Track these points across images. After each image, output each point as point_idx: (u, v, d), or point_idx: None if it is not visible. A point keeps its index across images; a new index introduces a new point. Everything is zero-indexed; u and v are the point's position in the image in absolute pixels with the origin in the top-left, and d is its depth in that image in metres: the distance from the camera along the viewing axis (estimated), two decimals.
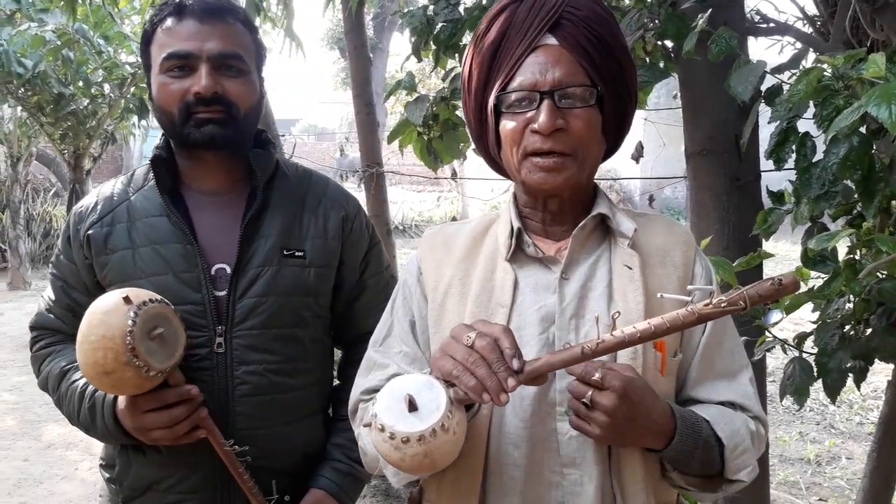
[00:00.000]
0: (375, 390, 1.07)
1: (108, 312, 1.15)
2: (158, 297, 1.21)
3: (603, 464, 0.99)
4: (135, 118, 7.16)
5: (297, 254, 1.36)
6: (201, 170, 1.37)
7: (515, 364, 0.87)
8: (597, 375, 0.90)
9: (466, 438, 0.97)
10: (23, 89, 6.37)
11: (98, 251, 1.35)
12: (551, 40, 1.00)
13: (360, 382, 1.12)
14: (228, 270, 1.32)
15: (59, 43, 5.60)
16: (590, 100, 1.00)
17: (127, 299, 1.16)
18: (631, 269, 1.03)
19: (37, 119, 6.93)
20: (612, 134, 1.06)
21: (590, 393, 0.90)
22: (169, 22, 1.31)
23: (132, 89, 6.62)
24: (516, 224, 1.07)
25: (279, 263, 1.34)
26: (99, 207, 1.38)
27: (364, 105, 3.78)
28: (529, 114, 0.99)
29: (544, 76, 0.98)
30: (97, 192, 1.43)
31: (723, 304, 0.82)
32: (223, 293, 1.32)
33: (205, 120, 1.29)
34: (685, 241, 1.09)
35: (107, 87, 6.72)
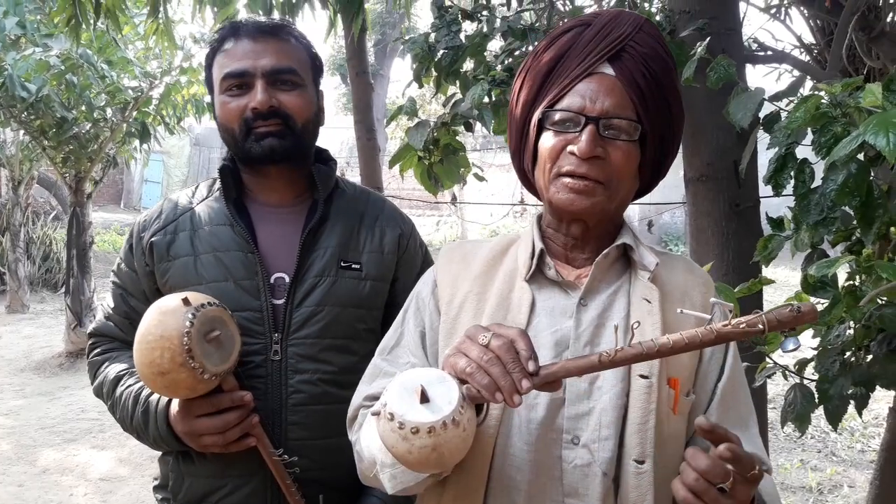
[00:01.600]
0: (377, 397, 1.05)
1: (166, 313, 1.18)
2: (216, 300, 1.23)
3: (608, 498, 0.96)
4: (136, 142, 7.20)
5: (353, 266, 1.39)
6: (264, 182, 1.41)
7: (531, 366, 0.85)
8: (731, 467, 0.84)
9: (469, 457, 0.95)
10: (26, 113, 6.41)
11: (160, 258, 1.38)
12: (608, 69, 1.01)
13: (363, 389, 1.11)
14: (287, 279, 1.35)
15: (62, 67, 5.66)
16: (633, 135, 1.00)
17: (186, 301, 1.18)
18: (650, 302, 1.02)
19: (39, 143, 6.97)
20: (648, 174, 1.07)
21: (730, 480, 0.83)
22: (226, 44, 1.37)
23: (134, 113, 6.67)
24: (539, 245, 1.06)
25: (336, 274, 1.37)
26: (163, 216, 1.43)
27: (365, 130, 3.81)
28: (571, 135, 0.99)
29: (594, 103, 0.99)
30: (161, 203, 1.48)
31: (742, 326, 0.81)
32: (281, 301, 1.34)
33: (264, 134, 1.33)
34: (704, 283, 1.09)
35: (109, 112, 6.77)
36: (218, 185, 1.42)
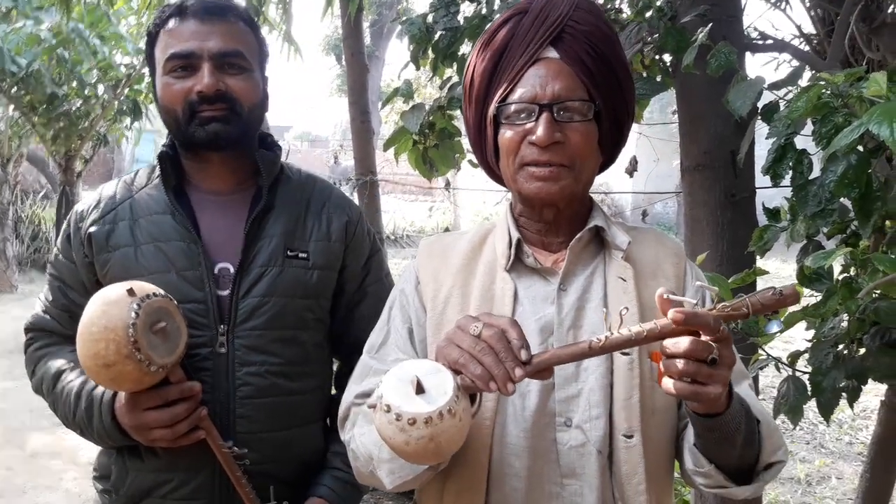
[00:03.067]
0: (369, 395, 1.06)
1: (111, 304, 1.14)
2: (162, 291, 1.20)
3: (604, 474, 1.00)
4: (127, 120, 7.13)
5: (300, 255, 1.36)
6: (206, 169, 1.37)
7: (524, 355, 0.86)
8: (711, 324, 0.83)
9: (469, 449, 0.97)
10: (15, 88, 6.33)
11: (100, 249, 1.34)
12: (552, 53, 1.02)
13: (354, 388, 1.11)
14: (232, 270, 1.32)
15: (54, 42, 5.58)
16: (588, 114, 1.01)
17: (131, 291, 1.15)
18: (625, 280, 1.05)
19: (29, 119, 6.89)
20: (609, 147, 1.08)
21: (715, 348, 0.83)
22: (171, 23, 1.31)
23: (126, 91, 6.60)
24: (515, 235, 1.08)
25: (283, 264, 1.34)
26: (101, 205, 1.38)
27: (359, 113, 3.78)
28: (528, 125, 1.00)
29: (544, 89, 1.00)
30: (99, 192, 1.43)
31: (727, 309, 0.83)
32: (226, 292, 1.31)
33: (209, 118, 1.29)
34: (675, 254, 1.11)
35: (101, 88, 6.70)
36: (157, 172, 1.38)
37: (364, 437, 1.01)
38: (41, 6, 5.64)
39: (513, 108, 1.01)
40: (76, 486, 3.97)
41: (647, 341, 0.87)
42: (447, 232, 1.23)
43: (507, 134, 1.03)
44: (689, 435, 1.00)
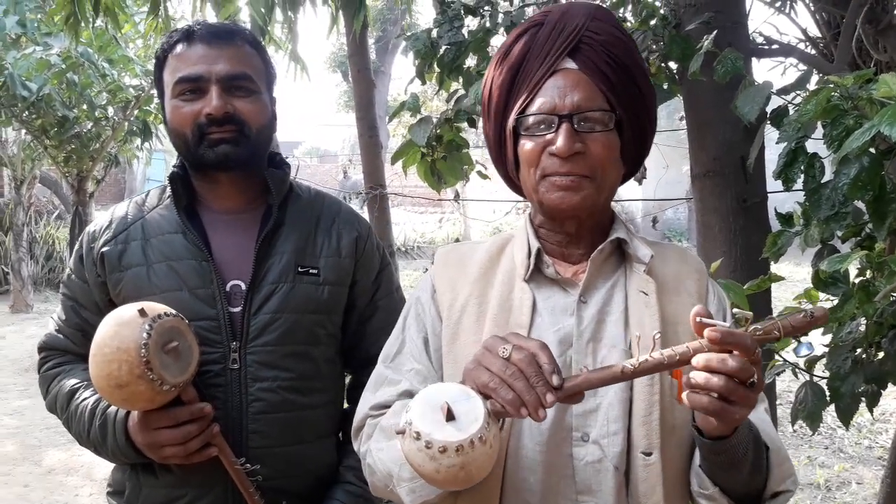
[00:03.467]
0: (385, 406, 1.06)
1: (123, 324, 1.15)
2: (173, 311, 1.21)
3: (620, 492, 0.97)
4: (138, 141, 7.19)
5: (311, 271, 1.37)
6: (216, 189, 1.39)
7: (555, 380, 0.84)
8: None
9: None
10: (27, 112, 6.40)
11: (112, 268, 1.35)
12: (571, 64, 1.00)
13: (369, 398, 1.10)
14: (243, 287, 1.33)
15: (63, 66, 5.65)
16: (609, 124, 1.00)
17: (142, 312, 1.16)
18: (647, 294, 1.02)
19: (41, 142, 6.96)
20: (631, 158, 1.06)
21: (755, 374, 0.81)
22: (179, 48, 1.33)
23: (136, 112, 6.66)
24: (535, 245, 1.06)
25: (294, 280, 1.35)
26: (113, 226, 1.40)
27: (367, 128, 3.79)
28: (548, 136, 0.99)
29: (563, 100, 0.98)
30: (111, 212, 1.45)
31: (758, 332, 0.82)
32: (238, 309, 1.32)
33: (218, 140, 1.31)
34: (697, 270, 1.09)
35: (111, 110, 6.76)
36: (168, 192, 1.39)
37: (382, 454, 1.00)
38: (50, 32, 5.72)
39: (532, 119, 1.00)
40: (91, 502, 3.98)
41: (680, 365, 0.84)
42: (464, 241, 1.22)
43: (526, 146, 1.01)
44: (696, 456, 0.98)
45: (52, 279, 10.52)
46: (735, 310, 0.89)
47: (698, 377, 0.81)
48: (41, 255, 10.72)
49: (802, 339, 1.53)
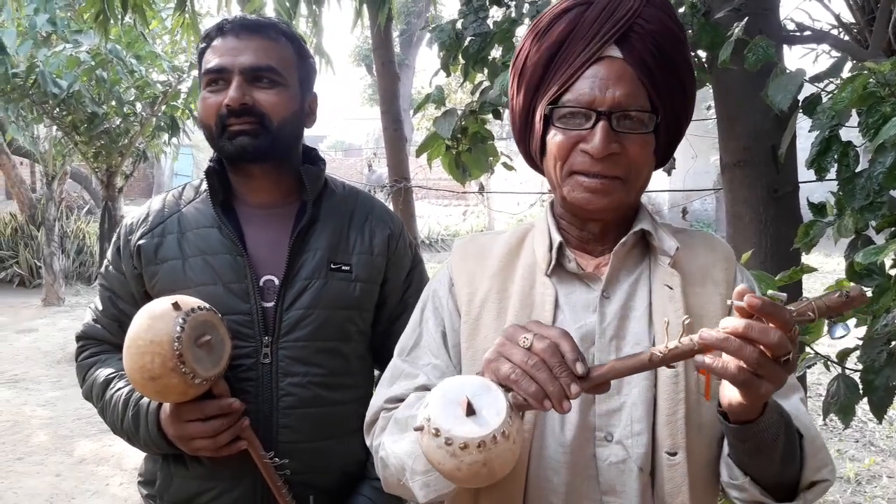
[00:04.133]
0: (401, 399, 1.03)
1: (156, 317, 1.17)
2: (206, 304, 1.23)
3: (645, 492, 0.94)
4: (166, 136, 7.28)
5: (343, 268, 1.38)
6: (250, 183, 1.40)
7: (580, 369, 0.79)
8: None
9: None
10: (58, 109, 6.52)
11: (148, 261, 1.37)
12: (616, 52, 0.93)
13: (383, 391, 1.08)
14: (276, 282, 1.34)
15: (93, 63, 5.73)
16: (649, 125, 0.94)
17: (176, 305, 1.17)
18: (671, 288, 0.98)
19: (71, 138, 7.08)
20: (662, 153, 1.02)
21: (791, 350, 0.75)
22: (216, 41, 1.35)
23: (163, 107, 6.74)
24: (557, 238, 1.02)
25: (326, 276, 1.36)
26: (150, 219, 1.41)
27: (392, 121, 3.79)
28: (582, 132, 0.93)
29: (604, 93, 0.92)
30: (148, 205, 1.46)
31: (793, 314, 0.76)
32: (271, 304, 1.33)
33: (237, 132, 1.31)
34: (725, 258, 1.04)
35: (139, 106, 6.85)
36: (205, 186, 1.41)
37: (395, 446, 0.96)
38: (80, 29, 5.80)
39: (567, 110, 0.94)
40: (122, 490, 4.05)
41: (713, 350, 0.78)
42: (482, 232, 1.17)
43: (557, 138, 0.95)
44: (725, 446, 0.93)
45: (82, 273, 10.70)
46: (769, 291, 0.85)
47: (732, 343, 0.75)
48: (72, 250, 10.90)
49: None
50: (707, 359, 0.76)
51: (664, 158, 1.03)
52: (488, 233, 1.14)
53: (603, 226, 1.01)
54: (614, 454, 0.95)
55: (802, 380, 1.96)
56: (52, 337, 7.61)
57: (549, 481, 0.96)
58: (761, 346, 0.74)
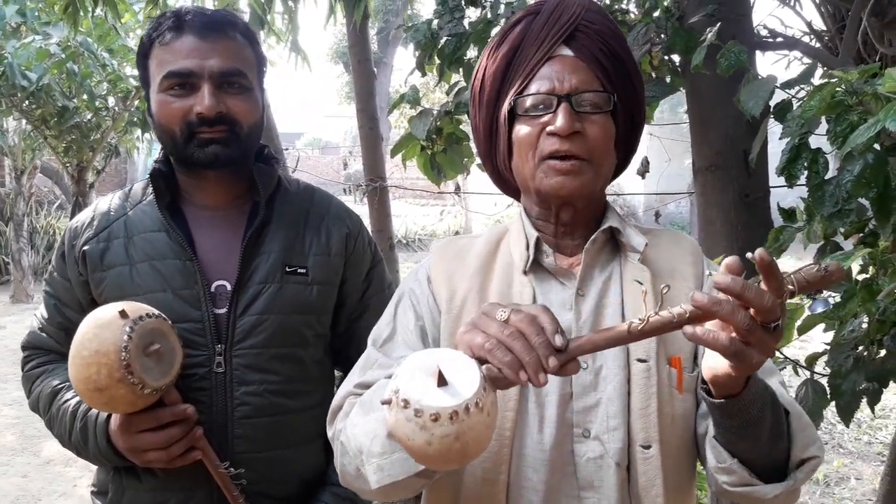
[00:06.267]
0: (370, 386, 1.00)
1: (102, 326, 1.11)
2: (156, 311, 1.18)
3: (622, 487, 0.96)
4: (138, 131, 7.18)
5: (299, 270, 1.33)
6: (201, 186, 1.34)
7: (558, 341, 0.76)
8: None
9: (488, 462, 0.93)
10: (27, 102, 6.40)
11: (94, 267, 1.31)
12: (566, 51, 1.01)
13: (354, 378, 1.05)
14: (229, 287, 1.29)
15: (63, 56, 5.63)
16: (606, 106, 0.99)
17: (123, 313, 1.12)
18: (641, 284, 1.00)
19: (41, 132, 6.96)
20: (623, 149, 1.06)
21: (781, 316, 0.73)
22: (168, 36, 1.26)
23: (136, 102, 6.64)
24: (533, 234, 1.05)
25: (281, 280, 1.31)
26: (95, 223, 1.35)
27: (368, 119, 3.77)
28: (546, 117, 0.98)
29: (562, 83, 0.98)
30: (93, 208, 1.40)
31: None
32: (223, 311, 1.28)
33: (208, 140, 1.25)
34: (692, 253, 1.08)
35: (111, 100, 6.75)
36: (151, 188, 1.34)
37: (356, 429, 0.92)
38: (49, 21, 5.69)
39: (529, 100, 0.99)
40: (89, 493, 3.98)
41: (691, 322, 0.75)
42: (459, 235, 1.19)
43: (523, 129, 1.00)
44: (710, 429, 0.93)
45: None
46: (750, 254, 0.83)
47: (726, 306, 0.72)
48: (42, 246, 10.72)
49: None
50: (697, 329, 0.73)
51: (625, 157, 1.07)
52: (465, 236, 1.16)
53: (573, 213, 1.04)
54: (592, 450, 0.96)
55: (784, 382, 1.98)
56: (19, 334, 7.45)
57: (529, 479, 0.97)
58: (752, 311, 0.72)
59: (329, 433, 1.04)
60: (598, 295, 1.02)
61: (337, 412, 1.03)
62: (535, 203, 1.06)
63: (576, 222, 1.05)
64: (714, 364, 0.81)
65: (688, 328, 0.74)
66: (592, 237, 1.03)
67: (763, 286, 0.72)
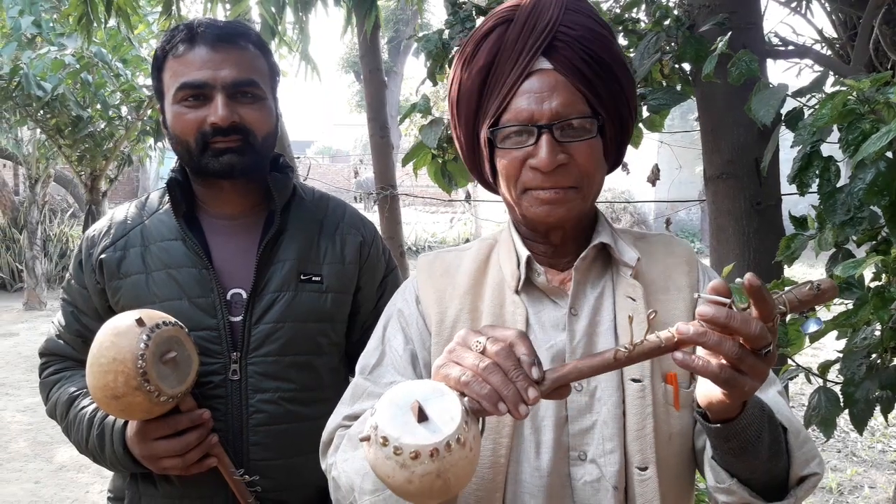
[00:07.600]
0: (358, 417, 0.99)
1: (119, 334, 1.13)
2: (172, 319, 1.19)
3: None
4: (151, 140, 7.24)
5: (314, 279, 1.34)
6: (217, 195, 1.36)
7: (535, 373, 0.74)
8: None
9: (483, 490, 0.91)
10: (42, 112, 6.46)
11: (111, 276, 1.33)
12: (546, 64, 0.92)
13: (343, 409, 1.02)
14: (244, 295, 1.30)
15: (77, 66, 5.69)
16: (592, 131, 0.93)
17: (140, 321, 1.13)
18: (634, 300, 0.98)
19: (55, 141, 7.03)
20: (613, 152, 1.00)
21: (772, 342, 0.71)
22: (181, 49, 1.28)
23: (149, 112, 6.70)
24: (524, 252, 1.00)
25: (296, 288, 1.32)
26: (112, 231, 1.37)
27: (379, 128, 3.79)
28: (527, 148, 0.92)
29: (541, 106, 0.91)
30: (110, 217, 1.42)
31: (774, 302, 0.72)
32: (238, 319, 1.30)
33: (222, 150, 1.27)
34: (687, 262, 1.04)
35: (124, 110, 6.81)
36: (167, 197, 1.36)
37: (346, 465, 0.91)
38: (64, 32, 5.76)
39: (508, 131, 0.93)
40: (102, 498, 3.99)
41: (680, 347, 0.74)
42: (445, 248, 1.15)
43: (504, 160, 0.94)
44: (708, 448, 0.90)
45: (65, 277, 10.60)
46: (739, 279, 0.82)
47: (711, 338, 0.70)
48: (55, 253, 10.80)
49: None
50: (686, 356, 0.71)
51: (616, 160, 1.03)
52: (452, 249, 1.12)
53: (563, 234, 1.00)
54: (588, 473, 0.94)
55: (785, 391, 1.97)
56: (33, 341, 7.52)
57: None
58: (741, 339, 0.70)
59: (322, 465, 1.03)
60: (592, 313, 0.99)
61: (328, 445, 1.02)
62: (524, 224, 1.02)
63: (566, 241, 1.01)
64: (707, 390, 0.79)
65: (677, 354, 0.72)
66: (582, 254, 0.99)
67: (753, 311, 0.70)
